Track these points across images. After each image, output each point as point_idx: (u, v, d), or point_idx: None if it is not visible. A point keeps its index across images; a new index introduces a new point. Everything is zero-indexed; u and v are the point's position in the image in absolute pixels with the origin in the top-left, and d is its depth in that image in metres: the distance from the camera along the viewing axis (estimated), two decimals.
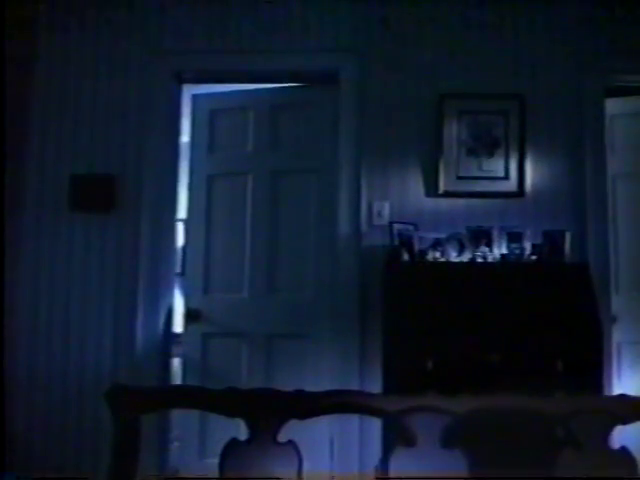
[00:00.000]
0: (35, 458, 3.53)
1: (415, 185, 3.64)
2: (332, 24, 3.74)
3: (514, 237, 3.33)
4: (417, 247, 3.32)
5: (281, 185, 3.84)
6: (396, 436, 1.67)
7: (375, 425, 3.21)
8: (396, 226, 3.41)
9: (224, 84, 3.98)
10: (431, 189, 3.62)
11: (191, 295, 3.90)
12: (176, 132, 3.88)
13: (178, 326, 3.92)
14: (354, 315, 3.54)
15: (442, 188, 3.60)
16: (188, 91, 3.96)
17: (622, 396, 1.71)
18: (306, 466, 1.65)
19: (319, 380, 3.42)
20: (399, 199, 3.63)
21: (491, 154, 3.62)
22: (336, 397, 1.72)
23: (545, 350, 2.94)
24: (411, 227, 3.43)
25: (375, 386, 3.24)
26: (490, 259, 3.30)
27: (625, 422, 1.66)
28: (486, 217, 3.50)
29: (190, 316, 3.82)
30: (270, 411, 1.64)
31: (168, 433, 3.74)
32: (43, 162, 3.73)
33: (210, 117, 3.98)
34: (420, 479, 1.59)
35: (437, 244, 3.31)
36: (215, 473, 1.65)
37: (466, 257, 3.27)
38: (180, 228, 4.27)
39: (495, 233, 3.34)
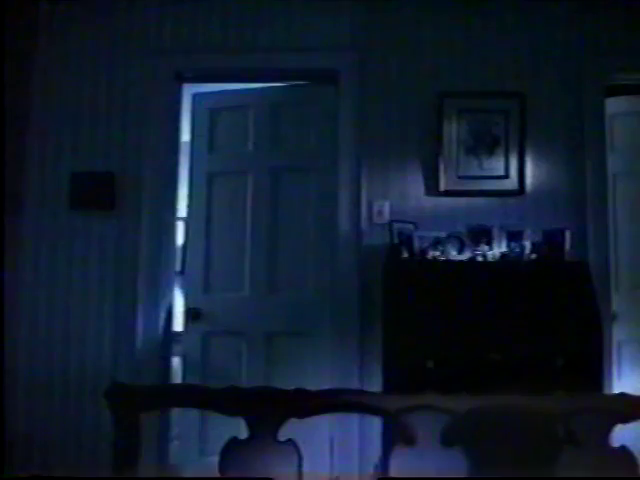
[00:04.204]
0: (35, 458, 3.54)
1: (415, 184, 3.64)
2: (332, 23, 3.74)
3: (514, 236, 3.33)
4: (417, 246, 3.32)
5: (281, 184, 3.84)
6: (396, 435, 1.67)
7: (375, 424, 3.21)
8: (396, 225, 3.41)
9: (224, 83, 3.97)
10: (431, 188, 3.62)
11: (191, 294, 3.90)
12: (176, 131, 3.87)
13: (178, 325, 3.92)
14: (354, 314, 3.54)
15: (442, 187, 3.60)
16: (188, 90, 3.96)
17: (622, 395, 1.71)
18: (306, 465, 1.65)
19: (319, 379, 3.41)
20: (399, 198, 3.62)
21: (491, 153, 3.62)
22: (336, 396, 1.72)
23: (545, 348, 2.94)
24: (411, 226, 3.43)
25: (375, 385, 3.24)
26: (490, 258, 3.29)
27: (625, 421, 1.66)
28: (486, 216, 3.50)
29: (190, 315, 3.82)
30: (270, 410, 1.64)
31: (168, 432, 3.74)
32: (43, 161, 3.73)
33: (210, 116, 3.97)
34: (420, 479, 1.59)
35: (437, 243, 3.31)
36: (215, 471, 1.65)
37: (466, 256, 3.27)
38: (180, 227, 4.27)
39: (495, 232, 3.34)
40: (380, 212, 3.60)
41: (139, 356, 3.58)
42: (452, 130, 3.63)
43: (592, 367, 2.95)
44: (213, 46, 3.79)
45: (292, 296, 3.76)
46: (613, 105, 3.76)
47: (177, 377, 4.05)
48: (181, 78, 3.86)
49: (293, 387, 1.68)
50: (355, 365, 3.50)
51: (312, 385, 1.72)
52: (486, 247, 3.31)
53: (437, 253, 3.28)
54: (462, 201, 3.60)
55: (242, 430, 1.66)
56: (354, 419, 3.39)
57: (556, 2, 3.70)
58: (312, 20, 3.75)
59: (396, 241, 3.34)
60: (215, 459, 1.66)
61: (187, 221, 4.11)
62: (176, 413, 3.80)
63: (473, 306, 3.04)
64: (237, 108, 3.95)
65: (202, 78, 3.96)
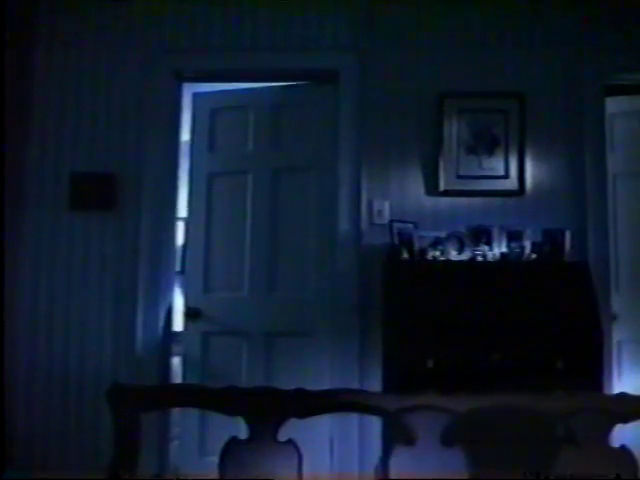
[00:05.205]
0: (35, 458, 3.54)
1: (415, 184, 3.64)
2: (332, 23, 3.74)
3: (514, 236, 3.33)
4: (417, 246, 3.32)
5: (281, 184, 3.84)
6: (396, 435, 1.67)
7: (375, 424, 3.21)
8: (396, 225, 3.41)
9: (224, 83, 3.97)
10: (431, 188, 3.62)
11: (191, 294, 3.90)
12: (176, 131, 3.87)
13: (178, 325, 3.92)
14: (354, 314, 3.53)
15: (442, 187, 3.60)
16: (188, 90, 3.96)
17: (622, 395, 1.71)
18: (306, 465, 1.65)
19: (319, 379, 3.42)
20: (399, 198, 3.62)
21: (491, 153, 3.62)
22: (336, 396, 1.72)
23: (545, 349, 2.94)
24: (411, 226, 3.43)
25: (375, 385, 3.24)
26: (490, 258, 3.30)
27: (625, 421, 1.66)
28: (486, 216, 3.50)
29: (190, 315, 3.82)
30: (270, 410, 1.64)
31: (168, 432, 3.74)
32: (43, 161, 3.73)
33: (210, 116, 3.97)
34: (420, 479, 1.59)
35: (437, 243, 3.31)
36: (215, 472, 1.65)
37: (466, 256, 3.27)
38: (180, 227, 4.27)
39: (495, 232, 3.34)
40: (380, 212, 3.60)
41: (139, 356, 3.58)
42: (452, 130, 3.63)
43: (592, 367, 2.95)
44: (213, 46, 3.79)
45: (292, 296, 3.76)
46: (613, 105, 3.76)
47: (177, 377, 4.05)
48: (181, 78, 3.86)
49: (293, 387, 1.68)
50: (355, 365, 3.50)
51: (312, 385, 1.72)
52: (486, 247, 3.31)
53: (437, 253, 3.28)
54: (462, 201, 3.60)
55: (242, 430, 1.66)
56: (354, 419, 3.39)
57: (556, 2, 3.70)
58: (312, 20, 3.75)
59: (396, 241, 3.34)
60: (215, 459, 1.66)
61: (187, 221, 4.10)
62: (176, 413, 3.81)
63: (473, 306, 3.04)
64: (237, 108, 3.95)
65: (202, 78, 3.96)
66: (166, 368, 3.75)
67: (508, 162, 3.60)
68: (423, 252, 3.30)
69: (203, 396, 1.73)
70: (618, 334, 3.61)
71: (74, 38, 3.80)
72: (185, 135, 4.05)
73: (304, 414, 1.65)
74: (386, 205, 3.61)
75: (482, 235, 3.33)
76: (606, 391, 3.13)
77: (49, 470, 3.47)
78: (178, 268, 4.22)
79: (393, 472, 1.61)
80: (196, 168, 3.97)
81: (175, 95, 3.84)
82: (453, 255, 3.27)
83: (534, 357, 2.93)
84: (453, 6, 3.72)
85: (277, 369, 3.67)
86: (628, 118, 3.90)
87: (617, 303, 3.63)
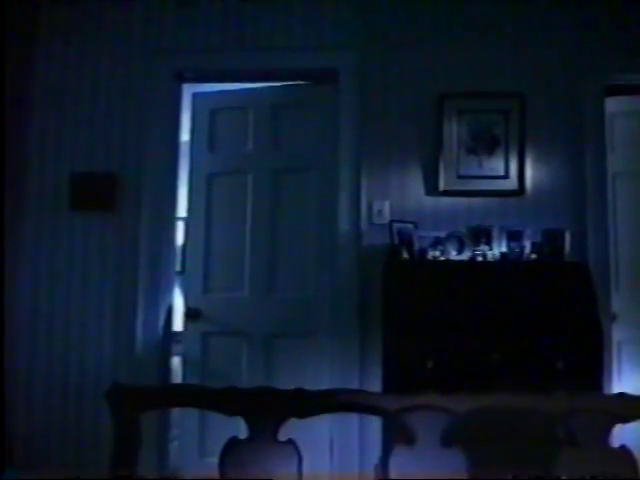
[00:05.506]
0: (35, 457, 3.54)
1: (415, 184, 3.64)
2: (332, 23, 3.74)
3: (514, 236, 3.33)
4: (417, 246, 3.33)
5: (281, 184, 3.84)
6: (396, 435, 1.67)
7: (375, 425, 3.21)
8: (396, 225, 3.41)
9: (224, 83, 3.98)
10: (431, 188, 3.62)
11: (191, 294, 3.90)
12: (176, 131, 3.88)
13: (178, 325, 3.92)
14: (354, 314, 3.53)
15: (442, 187, 3.60)
16: (188, 90, 3.96)
17: (622, 395, 1.71)
18: (306, 465, 1.65)
19: (319, 379, 3.42)
20: (399, 198, 3.62)
21: (491, 153, 3.62)
22: (336, 396, 1.72)
23: (545, 349, 2.94)
24: (411, 226, 3.43)
25: (375, 385, 3.24)
26: (490, 258, 3.30)
27: (625, 421, 1.66)
28: (486, 216, 3.50)
29: (190, 315, 3.82)
30: (270, 410, 1.64)
31: (168, 432, 3.74)
32: (43, 161, 3.74)
33: (210, 116, 3.97)
34: (420, 479, 1.59)
35: (437, 243, 3.31)
36: (215, 472, 1.65)
37: (466, 256, 3.27)
38: (180, 227, 4.27)
39: (495, 232, 3.34)
40: (380, 212, 3.60)
41: (139, 356, 3.58)
42: (452, 130, 3.63)
43: (592, 367, 2.94)
44: (213, 46, 3.79)
45: (292, 296, 3.76)
46: (613, 105, 3.76)
47: (177, 377, 4.05)
48: (181, 78, 3.86)
49: (293, 387, 1.68)
50: (355, 365, 3.50)
51: (312, 385, 1.72)
52: (486, 247, 3.31)
53: (437, 253, 3.28)
54: (462, 201, 3.60)
55: (242, 430, 1.66)
56: (354, 419, 3.39)
57: (555, 2, 3.70)
58: (312, 20, 3.75)
59: (396, 241, 3.34)
60: (215, 459, 1.66)
61: (187, 221, 4.10)
62: (176, 413, 3.81)
63: (473, 306, 3.04)
64: (237, 108, 3.96)
65: (202, 78, 3.96)
66: (166, 368, 3.76)
67: (508, 162, 3.60)
68: (423, 252, 3.30)
69: (203, 396, 1.73)
70: (618, 334, 3.61)
71: (74, 38, 3.81)
72: (185, 135, 4.05)
73: (304, 414, 1.65)
74: (386, 205, 3.61)
75: (482, 235, 3.34)
76: (606, 391, 3.13)
77: (49, 469, 3.47)
78: (178, 268, 4.22)
79: (393, 472, 1.61)
80: (196, 168, 3.97)
81: (175, 95, 3.85)
82: (453, 255, 3.27)
83: (534, 357, 2.93)
84: (453, 6, 3.72)
85: (277, 369, 3.68)
86: (628, 118, 3.90)
87: (617, 303, 3.63)
